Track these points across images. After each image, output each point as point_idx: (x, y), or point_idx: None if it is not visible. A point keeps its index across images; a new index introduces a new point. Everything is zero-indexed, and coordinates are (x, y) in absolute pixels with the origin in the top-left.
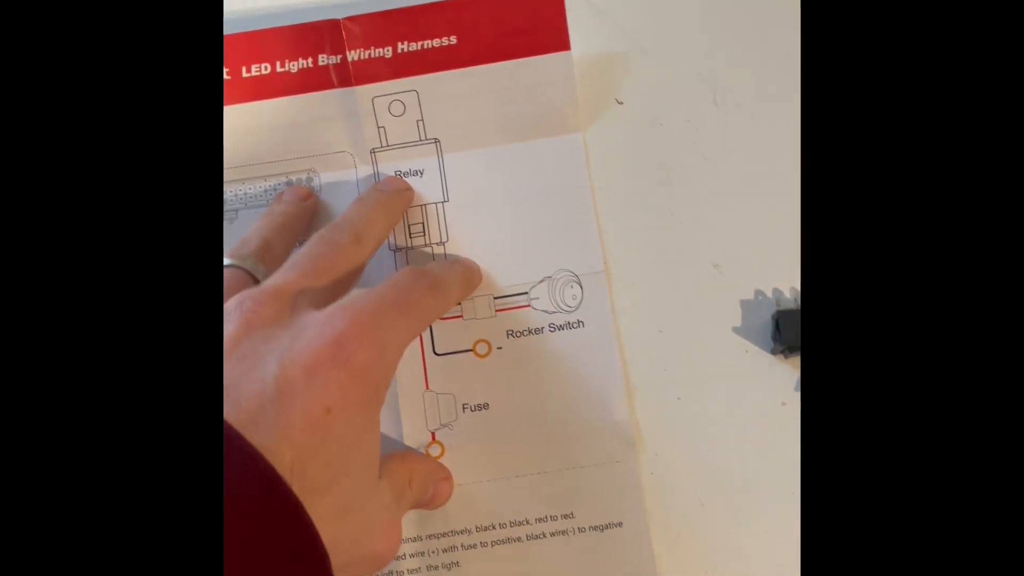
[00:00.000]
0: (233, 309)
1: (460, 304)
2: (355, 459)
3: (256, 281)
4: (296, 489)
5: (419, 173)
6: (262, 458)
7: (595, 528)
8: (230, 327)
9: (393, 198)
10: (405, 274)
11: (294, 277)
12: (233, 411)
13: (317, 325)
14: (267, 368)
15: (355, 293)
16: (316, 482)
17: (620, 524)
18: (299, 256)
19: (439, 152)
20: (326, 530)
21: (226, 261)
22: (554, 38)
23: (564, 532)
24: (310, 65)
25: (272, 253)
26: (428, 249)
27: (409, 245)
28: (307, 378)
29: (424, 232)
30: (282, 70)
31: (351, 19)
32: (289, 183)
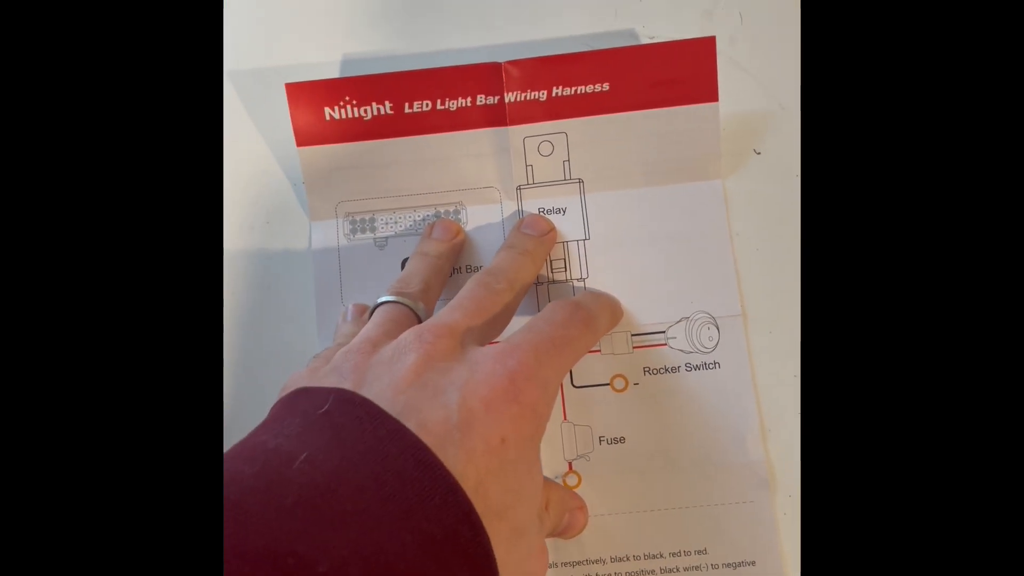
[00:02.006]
0: (412, 340)
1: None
2: (527, 487)
3: (418, 318)
4: (479, 510)
5: (562, 211)
6: (459, 485)
7: (728, 565)
8: (412, 356)
9: (539, 244)
10: (561, 309)
11: (461, 317)
12: (423, 434)
13: (490, 361)
14: (450, 397)
15: (513, 328)
16: (496, 506)
17: (753, 563)
18: (462, 298)
19: (582, 191)
20: (499, 551)
21: (392, 298)
22: (704, 89)
23: (697, 567)
24: (468, 104)
25: (430, 294)
26: (569, 284)
27: (551, 279)
28: (486, 409)
29: (565, 268)
30: (442, 108)
31: (512, 63)
32: (438, 215)
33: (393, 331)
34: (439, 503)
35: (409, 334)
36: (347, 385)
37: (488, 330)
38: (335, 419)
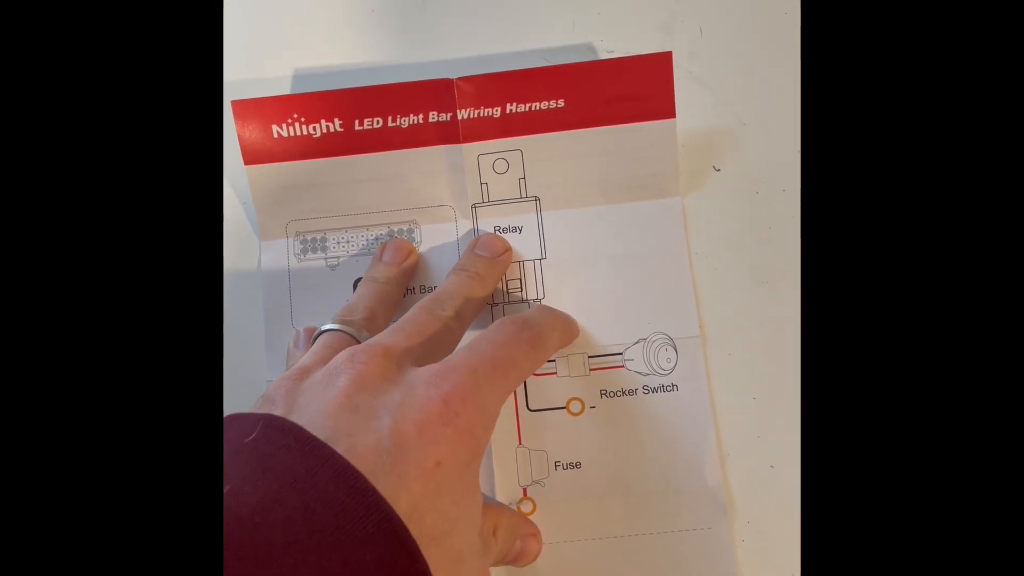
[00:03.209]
0: (344, 362)
1: (555, 360)
2: (465, 512)
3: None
4: (415, 536)
5: (518, 229)
6: (393, 512)
7: None
8: (343, 379)
9: (491, 267)
10: (506, 327)
11: (399, 338)
12: (353, 460)
13: (424, 384)
14: (382, 421)
15: (460, 345)
16: (432, 532)
17: None
18: (404, 321)
19: (539, 210)
20: None
21: (335, 326)
22: (661, 106)
23: None
24: (420, 121)
25: (375, 322)
26: (524, 304)
27: (507, 299)
28: (419, 433)
29: (521, 287)
30: (393, 125)
31: (464, 79)
32: (391, 234)
33: (330, 359)
34: (372, 531)
35: (341, 356)
36: (278, 411)
37: (429, 353)
38: (261, 447)
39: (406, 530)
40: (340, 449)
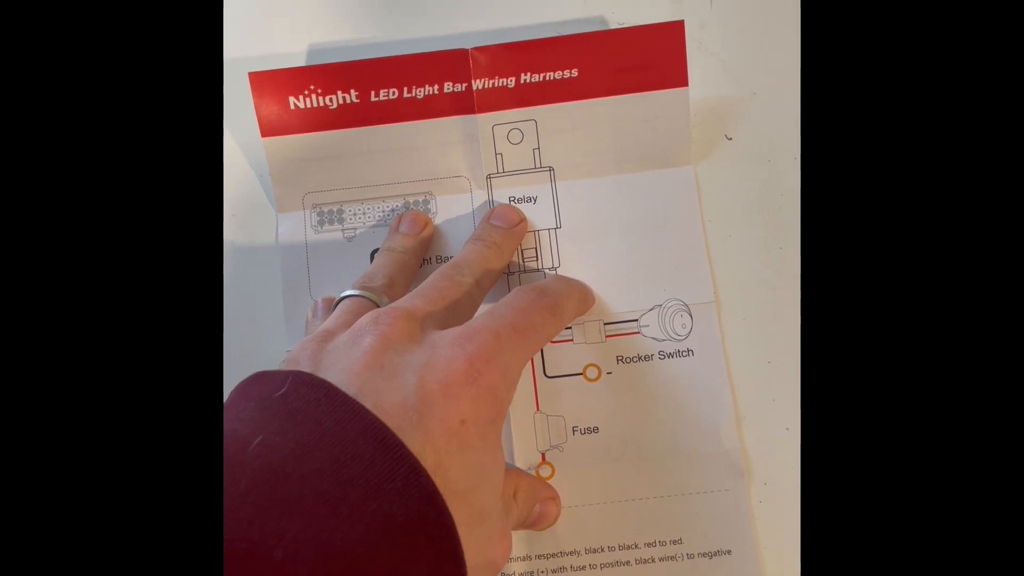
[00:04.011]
0: (368, 323)
1: (571, 328)
2: (489, 470)
3: None
4: (440, 490)
5: (532, 200)
6: (421, 466)
7: (704, 555)
8: (368, 339)
9: (507, 237)
10: (525, 295)
11: (421, 303)
12: (380, 416)
13: (448, 345)
14: (407, 379)
15: (478, 313)
16: (457, 487)
17: (729, 552)
18: (425, 287)
19: (552, 180)
20: (459, 533)
21: (355, 292)
22: (673, 75)
23: (673, 557)
24: (436, 92)
25: (395, 289)
26: (540, 273)
27: (522, 269)
28: (444, 391)
29: (537, 257)
30: (408, 95)
31: (479, 49)
32: (407, 205)
33: (353, 323)
34: (401, 485)
35: (366, 318)
36: (305, 370)
37: (449, 318)
38: (291, 402)
39: (433, 484)
40: (367, 405)
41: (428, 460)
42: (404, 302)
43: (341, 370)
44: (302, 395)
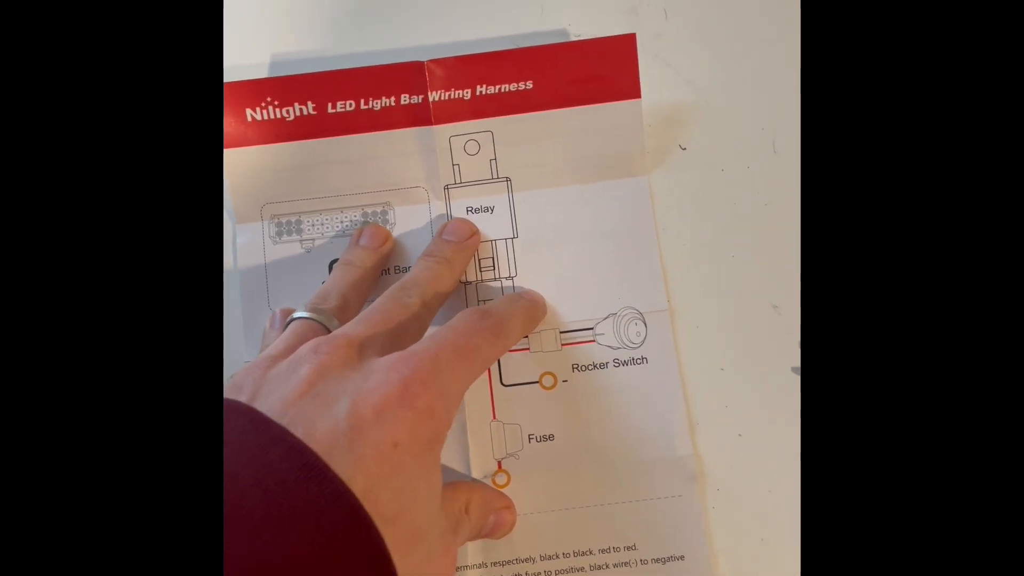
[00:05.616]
0: (308, 352)
1: (527, 337)
2: (421, 491)
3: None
4: (370, 514)
5: (490, 210)
6: (347, 489)
7: (657, 560)
8: (306, 368)
9: (459, 251)
10: (468, 317)
11: (363, 328)
12: (309, 442)
13: (384, 370)
14: (340, 406)
15: (426, 334)
16: (387, 510)
17: (682, 557)
18: (371, 311)
19: (510, 190)
20: (395, 556)
21: (306, 314)
22: (626, 86)
23: (627, 563)
24: (392, 104)
25: (348, 311)
26: (497, 283)
27: (479, 279)
28: (376, 416)
29: (494, 266)
30: (365, 107)
31: (435, 62)
32: (365, 215)
33: (297, 348)
34: (325, 507)
35: (306, 347)
36: (243, 398)
37: (394, 342)
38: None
39: (361, 507)
40: (298, 434)
41: (357, 485)
42: (347, 328)
43: (277, 399)
44: (230, 423)
